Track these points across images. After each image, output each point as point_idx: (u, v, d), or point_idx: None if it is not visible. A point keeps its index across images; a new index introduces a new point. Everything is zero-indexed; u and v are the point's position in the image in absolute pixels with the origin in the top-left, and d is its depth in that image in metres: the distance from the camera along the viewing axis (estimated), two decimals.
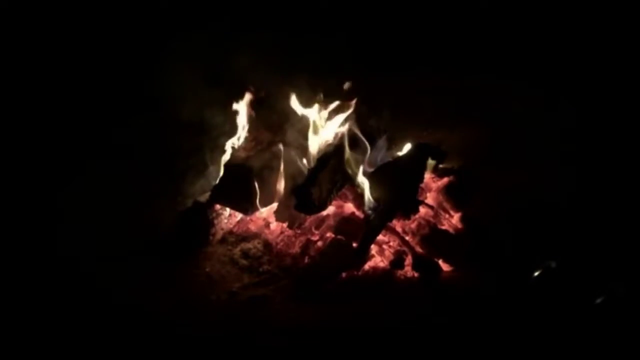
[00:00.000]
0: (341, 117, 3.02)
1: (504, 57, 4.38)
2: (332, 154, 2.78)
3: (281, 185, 2.98)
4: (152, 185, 3.23)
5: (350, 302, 2.46)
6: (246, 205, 2.91)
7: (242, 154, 3.08)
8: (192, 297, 2.53)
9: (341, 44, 3.99)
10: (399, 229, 2.82)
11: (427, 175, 3.07)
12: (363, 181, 2.79)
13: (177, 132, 3.58)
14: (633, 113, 3.72)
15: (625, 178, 3.11)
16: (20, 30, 4.17)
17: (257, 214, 3.00)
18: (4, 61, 4.00)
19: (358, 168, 2.82)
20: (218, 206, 2.97)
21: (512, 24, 4.66)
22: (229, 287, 2.60)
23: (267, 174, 2.93)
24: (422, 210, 2.86)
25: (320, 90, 3.10)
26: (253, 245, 2.84)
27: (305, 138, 3.02)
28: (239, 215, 3.02)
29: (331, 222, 2.83)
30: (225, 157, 3.12)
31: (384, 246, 2.77)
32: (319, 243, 2.80)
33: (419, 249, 2.73)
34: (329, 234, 2.82)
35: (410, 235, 2.79)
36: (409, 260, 2.70)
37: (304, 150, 3.01)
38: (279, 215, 2.92)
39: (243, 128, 3.17)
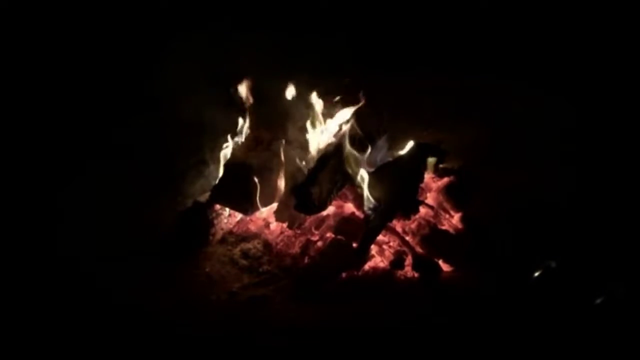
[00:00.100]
0: (345, 113, 3.02)
1: (504, 57, 4.38)
2: (332, 154, 2.78)
3: (281, 185, 2.98)
4: (152, 185, 3.23)
5: (350, 302, 2.46)
6: (246, 205, 2.90)
7: (242, 154, 3.08)
8: (192, 297, 2.53)
9: (341, 44, 3.99)
10: (399, 229, 2.82)
11: (427, 175, 3.07)
12: (363, 181, 2.79)
13: (177, 132, 3.58)
14: (633, 113, 3.72)
15: (625, 178, 3.11)
16: (21, 30, 4.17)
17: (257, 214, 3.00)
18: (4, 61, 4.01)
19: (358, 168, 2.82)
20: (218, 206, 2.97)
21: (512, 24, 4.67)
22: (229, 287, 2.60)
23: (267, 174, 2.93)
24: (422, 210, 2.86)
25: (322, 89, 3.11)
26: (253, 246, 2.84)
27: (306, 137, 3.02)
28: (238, 215, 3.02)
29: (331, 222, 2.83)
30: (227, 152, 3.11)
31: (384, 246, 2.77)
32: (319, 243, 2.80)
33: (419, 249, 2.73)
34: (329, 234, 2.82)
35: (410, 235, 2.79)
36: (409, 260, 2.70)
37: (304, 149, 3.01)
38: (279, 215, 2.92)
39: (244, 120, 3.16)
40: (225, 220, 2.97)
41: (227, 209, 2.99)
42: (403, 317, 2.34)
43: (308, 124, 3.05)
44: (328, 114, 3.10)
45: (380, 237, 2.75)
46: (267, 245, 2.84)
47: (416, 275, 2.64)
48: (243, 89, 3.16)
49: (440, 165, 3.14)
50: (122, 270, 2.60)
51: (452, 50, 4.52)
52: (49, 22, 4.27)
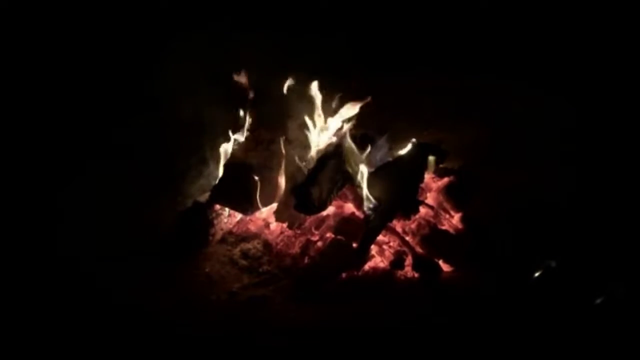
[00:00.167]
0: (346, 112, 3.01)
1: (504, 57, 4.38)
2: (332, 154, 2.78)
3: (281, 185, 2.98)
4: (152, 185, 3.23)
5: (350, 302, 2.46)
6: (246, 205, 2.91)
7: (242, 153, 3.08)
8: (192, 297, 2.53)
9: (341, 44, 3.99)
10: (399, 229, 2.82)
11: (427, 175, 3.06)
12: (363, 181, 2.79)
13: (177, 132, 3.58)
14: (633, 113, 3.71)
15: (625, 178, 3.11)
16: (21, 30, 4.17)
17: (257, 214, 3.00)
18: (4, 61, 4.00)
19: (358, 168, 2.82)
20: (218, 206, 2.97)
21: (512, 24, 4.66)
22: (228, 287, 2.60)
23: (267, 174, 2.94)
24: (422, 210, 2.86)
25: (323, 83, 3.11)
26: (253, 246, 2.84)
27: (306, 136, 3.02)
28: (238, 215, 3.02)
29: (331, 222, 2.83)
30: (227, 148, 3.11)
31: (384, 246, 2.77)
32: (319, 243, 2.80)
33: (419, 249, 2.73)
34: (329, 234, 2.82)
35: (410, 235, 2.79)
36: (409, 260, 2.70)
37: (304, 149, 3.01)
38: (279, 215, 2.92)
39: (245, 113, 3.16)
40: (225, 220, 2.97)
41: (227, 209, 2.99)
42: (403, 317, 2.34)
43: (307, 120, 3.04)
44: (329, 111, 3.09)
45: (380, 237, 2.75)
46: (267, 245, 2.84)
47: (416, 275, 2.65)
48: (242, 79, 3.16)
49: (440, 165, 3.14)
50: (122, 270, 2.61)
51: (452, 51, 4.52)
52: (49, 22, 4.26)
